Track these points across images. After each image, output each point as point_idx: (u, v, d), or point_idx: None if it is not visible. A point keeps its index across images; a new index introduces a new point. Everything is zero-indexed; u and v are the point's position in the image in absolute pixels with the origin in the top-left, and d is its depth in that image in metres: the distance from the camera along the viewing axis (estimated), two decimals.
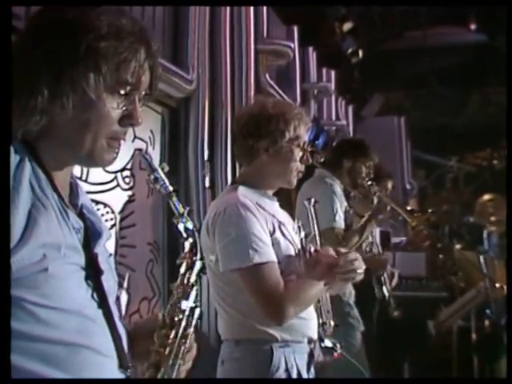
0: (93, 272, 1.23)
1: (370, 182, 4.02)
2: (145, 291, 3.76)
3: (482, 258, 4.42)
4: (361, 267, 2.24)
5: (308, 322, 2.38)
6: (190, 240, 1.45)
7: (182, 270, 1.45)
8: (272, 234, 2.30)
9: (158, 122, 4.09)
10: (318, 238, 2.45)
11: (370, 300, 4.50)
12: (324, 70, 7.12)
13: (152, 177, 1.40)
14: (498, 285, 4.71)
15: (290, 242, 2.39)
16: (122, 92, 1.23)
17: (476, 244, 5.23)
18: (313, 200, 2.54)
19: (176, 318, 1.40)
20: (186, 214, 1.43)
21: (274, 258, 2.24)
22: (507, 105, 3.44)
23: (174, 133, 4.19)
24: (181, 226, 1.44)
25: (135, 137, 3.73)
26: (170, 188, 1.42)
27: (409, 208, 4.35)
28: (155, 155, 3.97)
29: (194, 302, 1.43)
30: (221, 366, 2.38)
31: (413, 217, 4.07)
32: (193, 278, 1.44)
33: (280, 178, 2.41)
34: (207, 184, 4.22)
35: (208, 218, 2.35)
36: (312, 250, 2.38)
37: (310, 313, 2.39)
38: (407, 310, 5.38)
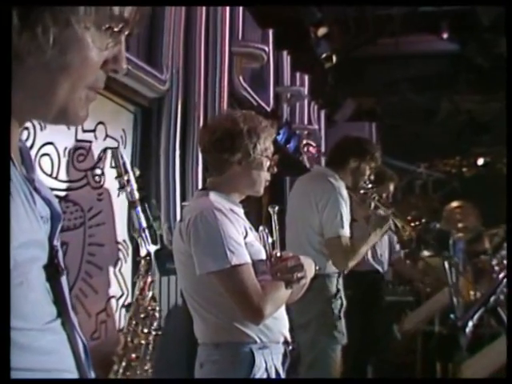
0: (53, 271, 0.99)
1: (370, 185, 3.95)
2: (113, 290, 3.74)
3: (446, 264, 4.47)
4: (301, 274, 2.35)
5: (281, 321, 2.45)
6: (147, 258, 1.33)
7: (137, 290, 1.34)
8: (245, 237, 2.37)
9: (131, 121, 4.08)
10: (278, 242, 2.52)
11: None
12: (298, 74, 7.15)
13: (125, 179, 1.30)
14: (462, 290, 4.78)
15: (260, 244, 2.47)
16: (116, 29, 0.96)
17: (441, 250, 5.28)
18: (276, 208, 2.61)
19: (137, 341, 1.28)
20: (147, 231, 1.30)
21: (249, 259, 2.31)
22: (507, 105, 3.44)
23: (146, 133, 4.18)
24: (140, 242, 1.31)
25: (107, 135, 3.71)
26: (137, 196, 1.30)
27: (409, 218, 4.32)
28: (127, 155, 3.94)
29: (156, 329, 1.33)
30: (199, 369, 2.43)
31: (410, 227, 4.01)
32: (147, 301, 1.34)
33: (250, 187, 2.53)
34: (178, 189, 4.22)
35: (182, 222, 2.41)
36: (278, 254, 2.47)
37: (281, 312, 2.46)
38: (373, 313, 5.42)
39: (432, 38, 8.41)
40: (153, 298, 1.34)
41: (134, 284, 1.35)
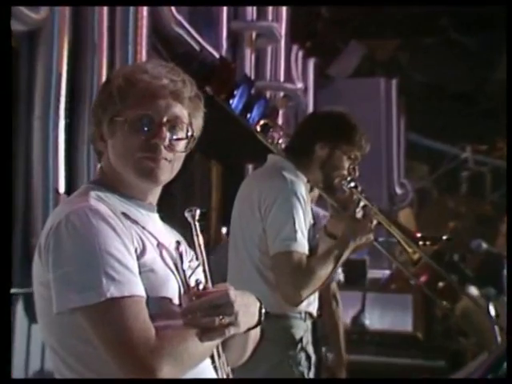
0: None
1: (353, 184, 4.00)
2: None
3: (491, 308, 4.50)
4: (229, 319, 2.29)
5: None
6: None
7: None
8: (141, 256, 2.35)
9: None
10: (206, 267, 2.50)
11: None
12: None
13: None
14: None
15: (172, 270, 2.45)
16: None
17: (486, 285, 5.34)
18: (198, 211, 2.57)
19: None
20: None
21: (141, 291, 2.28)
22: (507, 104, 3.52)
23: (10, 88, 4.15)
24: None
25: None
26: None
27: (419, 235, 4.33)
28: None
29: None
30: None
31: (417, 246, 4.02)
32: None
33: (129, 181, 2.46)
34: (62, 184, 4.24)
35: (42, 232, 2.39)
36: (201, 287, 2.45)
37: (205, 370, 2.45)
38: None
39: None
40: None
41: None
